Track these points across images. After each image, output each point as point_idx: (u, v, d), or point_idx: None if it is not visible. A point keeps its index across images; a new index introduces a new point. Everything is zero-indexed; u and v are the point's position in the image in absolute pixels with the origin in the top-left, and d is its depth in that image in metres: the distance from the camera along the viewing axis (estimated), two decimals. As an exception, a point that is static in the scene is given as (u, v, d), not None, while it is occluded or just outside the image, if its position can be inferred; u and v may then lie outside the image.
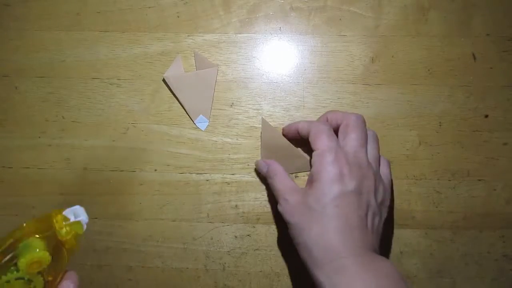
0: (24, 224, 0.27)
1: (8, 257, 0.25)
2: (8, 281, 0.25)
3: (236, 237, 0.40)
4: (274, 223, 0.40)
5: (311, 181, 0.32)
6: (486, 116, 0.41)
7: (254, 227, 0.40)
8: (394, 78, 0.41)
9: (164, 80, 0.41)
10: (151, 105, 0.41)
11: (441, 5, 0.42)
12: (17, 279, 0.25)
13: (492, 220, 0.39)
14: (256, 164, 0.39)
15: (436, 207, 0.40)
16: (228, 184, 0.40)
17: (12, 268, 0.25)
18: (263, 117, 0.35)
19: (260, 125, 0.40)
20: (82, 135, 0.41)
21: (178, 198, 0.40)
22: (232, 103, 0.41)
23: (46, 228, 0.27)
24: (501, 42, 0.41)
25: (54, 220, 0.28)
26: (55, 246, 0.27)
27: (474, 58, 0.41)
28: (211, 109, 0.41)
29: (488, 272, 0.39)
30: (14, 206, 0.40)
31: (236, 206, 0.40)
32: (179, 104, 0.41)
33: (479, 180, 0.40)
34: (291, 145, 0.38)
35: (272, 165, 0.37)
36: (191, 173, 0.40)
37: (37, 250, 0.25)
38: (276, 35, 0.42)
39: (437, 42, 0.41)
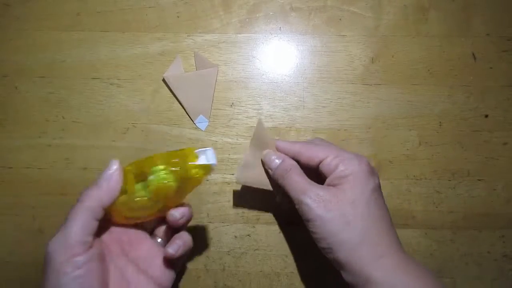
0: (158, 154, 0.30)
1: (140, 183, 0.29)
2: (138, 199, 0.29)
3: (236, 237, 0.40)
4: (274, 223, 0.40)
5: (340, 177, 0.30)
6: (486, 116, 0.41)
7: (254, 227, 0.40)
8: (394, 78, 0.41)
9: (164, 80, 0.41)
10: (151, 105, 0.41)
11: (441, 5, 0.42)
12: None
13: (492, 220, 0.39)
14: (266, 155, 0.34)
15: (436, 207, 0.40)
16: (228, 184, 0.40)
17: (142, 192, 0.29)
18: (261, 118, 0.34)
19: (260, 125, 0.40)
20: (82, 135, 0.41)
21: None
22: (232, 103, 0.41)
23: (178, 163, 0.29)
24: (501, 42, 0.41)
25: (187, 159, 0.30)
26: (182, 179, 0.29)
27: (474, 58, 0.41)
28: (211, 109, 0.41)
29: (488, 272, 0.39)
30: (14, 206, 0.40)
31: (236, 206, 0.40)
32: (179, 104, 0.41)
33: (479, 180, 0.40)
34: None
35: (287, 159, 0.34)
36: (191, 173, 0.40)
37: (166, 181, 0.29)
38: (276, 35, 0.42)
39: (437, 42, 0.41)
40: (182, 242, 0.32)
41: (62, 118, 0.41)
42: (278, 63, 0.42)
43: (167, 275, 0.33)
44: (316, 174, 0.33)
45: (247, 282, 0.39)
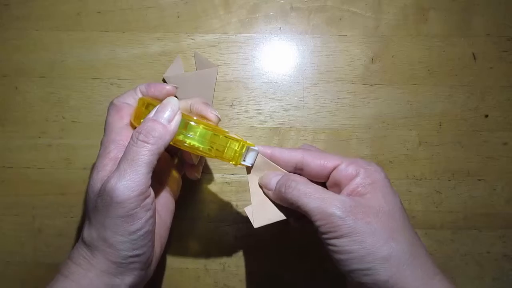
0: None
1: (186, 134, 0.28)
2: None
3: (236, 237, 0.39)
4: (274, 223, 0.40)
5: (365, 185, 0.26)
6: (486, 116, 0.41)
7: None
8: (394, 78, 0.41)
9: (164, 80, 0.41)
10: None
11: (441, 5, 0.42)
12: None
13: (492, 220, 0.39)
14: (262, 178, 0.30)
15: (436, 207, 0.40)
16: (228, 184, 0.40)
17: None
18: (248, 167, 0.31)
19: (260, 126, 0.40)
20: (82, 135, 0.41)
21: (178, 198, 0.40)
22: (232, 103, 0.41)
23: (223, 143, 0.28)
24: (501, 42, 0.41)
25: (232, 151, 0.29)
26: (215, 154, 0.29)
27: (474, 58, 0.41)
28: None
29: (488, 272, 0.39)
30: (14, 206, 0.40)
31: (236, 206, 0.40)
32: (179, 104, 0.41)
33: (479, 180, 0.40)
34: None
35: (287, 172, 0.29)
36: (191, 173, 0.40)
37: (201, 148, 0.28)
38: (276, 35, 0.42)
39: (437, 42, 0.41)
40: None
41: (62, 118, 0.41)
42: (278, 63, 0.42)
43: (178, 187, 0.34)
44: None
45: (247, 282, 0.39)
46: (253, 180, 0.31)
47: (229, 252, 0.39)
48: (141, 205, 0.25)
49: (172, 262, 0.39)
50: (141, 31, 0.42)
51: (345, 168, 0.27)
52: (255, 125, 0.41)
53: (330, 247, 0.25)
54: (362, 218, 0.24)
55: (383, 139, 0.40)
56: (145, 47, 0.42)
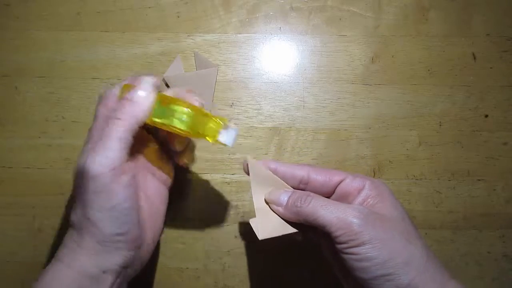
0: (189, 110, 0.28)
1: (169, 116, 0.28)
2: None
3: (236, 237, 0.39)
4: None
5: (374, 196, 0.28)
6: (486, 116, 0.41)
7: (254, 227, 0.40)
8: (394, 78, 0.41)
9: (164, 80, 0.41)
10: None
11: (441, 5, 0.42)
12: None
13: (492, 220, 0.39)
14: (270, 195, 0.30)
15: (436, 207, 0.40)
16: (228, 184, 0.40)
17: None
18: (247, 157, 0.30)
19: (260, 126, 0.40)
20: (82, 135, 0.41)
21: (178, 198, 0.40)
22: (232, 103, 0.41)
23: (201, 121, 0.29)
24: (501, 42, 0.41)
25: (210, 130, 0.29)
26: (194, 132, 0.29)
27: (474, 58, 0.41)
28: (211, 109, 0.41)
29: (488, 272, 0.39)
30: (14, 206, 0.40)
31: (236, 206, 0.40)
32: (179, 104, 0.41)
33: (479, 180, 0.40)
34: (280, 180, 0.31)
35: (298, 190, 0.29)
36: (191, 173, 0.40)
37: (178, 126, 0.28)
38: (276, 35, 0.42)
39: (437, 42, 0.41)
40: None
41: (62, 118, 0.41)
42: (278, 63, 0.42)
43: (169, 175, 0.34)
44: None
45: (247, 282, 0.39)
46: (256, 192, 0.31)
47: (229, 252, 0.39)
48: (117, 181, 0.25)
49: (172, 262, 0.39)
50: (141, 31, 0.42)
51: (351, 181, 0.28)
52: (255, 125, 0.41)
53: (351, 256, 0.25)
54: (380, 225, 0.25)
55: (383, 139, 0.40)
56: (145, 47, 0.42)
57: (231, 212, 0.40)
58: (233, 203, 0.40)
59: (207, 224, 0.40)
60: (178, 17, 0.42)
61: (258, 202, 0.30)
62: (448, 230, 0.39)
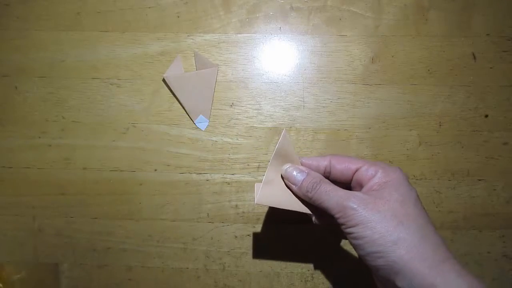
0: None
1: None
2: None
3: (236, 237, 0.40)
4: (274, 223, 0.40)
5: (381, 183, 0.30)
6: (486, 116, 0.41)
7: (254, 227, 0.40)
8: (394, 78, 0.41)
9: (164, 80, 0.41)
10: (151, 105, 0.41)
11: (441, 5, 0.42)
12: None
13: (492, 220, 0.39)
14: (287, 171, 0.32)
15: (436, 207, 0.40)
16: (228, 184, 0.40)
17: None
18: (285, 130, 0.32)
19: (260, 126, 0.40)
20: (82, 135, 0.41)
21: (178, 198, 0.40)
22: (232, 103, 0.41)
23: None
24: (501, 42, 0.41)
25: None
26: None
27: (474, 58, 0.41)
28: (211, 109, 0.41)
29: (488, 272, 0.39)
30: (14, 206, 0.40)
31: (236, 206, 0.40)
32: (179, 104, 0.41)
33: (479, 180, 0.40)
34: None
35: (312, 171, 0.32)
36: (191, 173, 0.40)
37: None
38: (276, 35, 0.42)
39: (437, 42, 0.41)
40: None
41: (62, 118, 0.41)
42: (278, 63, 0.42)
43: None
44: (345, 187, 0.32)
45: (247, 282, 0.39)
46: (273, 164, 0.32)
47: (229, 252, 0.39)
48: None
49: (172, 262, 0.39)
50: (141, 31, 0.42)
51: (366, 170, 0.31)
52: (255, 125, 0.41)
53: (349, 235, 0.29)
54: (372, 208, 0.28)
55: (383, 139, 0.40)
56: (145, 47, 0.42)
57: (231, 212, 0.40)
58: (233, 203, 0.40)
59: (207, 224, 0.40)
60: (178, 17, 0.42)
61: (270, 173, 0.32)
62: (448, 230, 0.39)
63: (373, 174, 0.30)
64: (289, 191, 0.33)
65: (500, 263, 0.39)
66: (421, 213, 0.28)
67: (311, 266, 0.39)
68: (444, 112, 0.41)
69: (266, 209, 0.40)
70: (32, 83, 0.42)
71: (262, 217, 0.40)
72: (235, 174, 0.40)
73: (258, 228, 0.40)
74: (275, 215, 0.40)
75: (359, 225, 0.28)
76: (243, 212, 0.40)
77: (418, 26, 0.42)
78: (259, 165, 0.40)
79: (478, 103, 0.41)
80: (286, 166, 0.33)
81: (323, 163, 0.33)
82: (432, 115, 0.41)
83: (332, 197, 0.29)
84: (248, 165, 0.40)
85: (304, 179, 0.32)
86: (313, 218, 0.33)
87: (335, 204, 0.29)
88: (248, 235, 0.40)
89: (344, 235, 0.29)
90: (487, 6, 0.42)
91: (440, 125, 0.40)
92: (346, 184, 0.32)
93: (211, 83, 0.41)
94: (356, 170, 0.31)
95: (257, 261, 0.39)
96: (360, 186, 0.31)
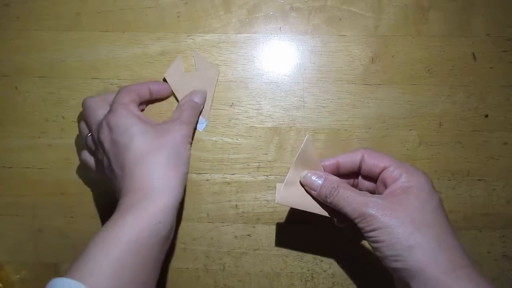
0: None
1: None
2: None
3: (236, 237, 0.40)
4: (274, 223, 0.40)
5: (404, 188, 0.30)
6: (486, 116, 0.41)
7: (254, 227, 0.40)
8: (394, 78, 0.41)
9: (164, 80, 0.41)
10: (151, 105, 0.41)
11: (441, 5, 0.42)
12: None
13: (492, 220, 0.39)
14: (305, 177, 0.34)
15: (436, 207, 0.40)
16: (228, 184, 0.40)
17: None
18: (309, 136, 0.34)
19: (260, 126, 0.40)
20: (82, 135, 0.41)
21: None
22: (232, 103, 0.41)
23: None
24: (501, 42, 0.41)
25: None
26: None
27: (474, 58, 0.41)
28: (211, 109, 0.41)
29: (488, 272, 0.39)
30: (14, 206, 0.40)
31: (236, 206, 0.40)
32: (179, 104, 0.41)
33: (479, 180, 0.40)
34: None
35: (329, 176, 0.33)
36: (191, 173, 0.40)
37: None
38: (276, 35, 0.42)
39: (437, 42, 0.41)
40: None
41: (62, 118, 0.41)
42: (278, 63, 0.42)
43: None
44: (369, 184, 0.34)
45: (247, 282, 0.39)
46: (294, 167, 0.33)
47: (229, 252, 0.39)
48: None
49: (172, 262, 0.39)
50: (141, 31, 0.42)
51: (392, 171, 0.31)
52: (255, 125, 0.41)
53: (369, 239, 0.30)
54: (391, 214, 0.29)
55: (383, 139, 0.40)
56: (145, 47, 0.42)
57: (231, 212, 0.40)
58: (233, 203, 0.40)
59: (207, 224, 0.40)
60: (178, 17, 0.42)
61: (292, 175, 0.34)
62: (448, 230, 0.39)
63: (397, 176, 0.31)
64: (309, 196, 0.34)
65: (500, 263, 0.39)
66: (440, 220, 0.29)
67: (311, 266, 0.39)
68: (444, 112, 0.41)
69: (266, 209, 0.40)
70: (32, 83, 0.42)
71: (262, 217, 0.40)
72: (235, 174, 0.40)
73: (258, 228, 0.40)
74: (275, 215, 0.40)
75: (377, 230, 0.29)
76: (243, 212, 0.40)
77: (418, 26, 0.42)
78: (259, 165, 0.40)
79: (478, 103, 0.41)
80: (304, 172, 0.34)
81: (356, 158, 0.33)
82: (432, 115, 0.41)
83: (351, 202, 0.30)
84: (248, 165, 0.40)
85: (322, 184, 0.33)
86: (335, 221, 0.34)
87: (354, 210, 0.30)
88: (248, 235, 0.40)
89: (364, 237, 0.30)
90: (487, 6, 0.42)
91: (440, 125, 0.41)
92: (373, 180, 0.33)
93: (212, 85, 0.41)
94: (384, 169, 0.32)
95: (257, 261, 0.39)
96: (384, 186, 0.32)
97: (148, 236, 0.29)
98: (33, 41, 0.42)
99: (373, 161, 0.33)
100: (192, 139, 0.40)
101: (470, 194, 0.40)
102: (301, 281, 0.39)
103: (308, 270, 0.39)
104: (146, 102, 0.40)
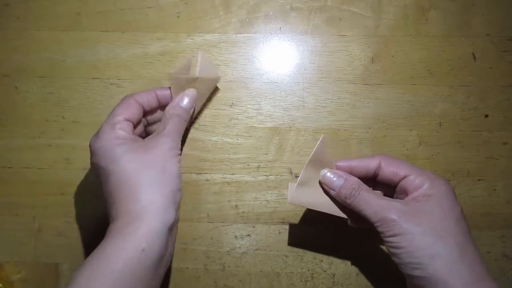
0: None
1: None
2: None
3: (236, 237, 0.40)
4: (274, 223, 0.40)
5: (426, 195, 0.30)
6: (486, 116, 0.41)
7: (254, 227, 0.40)
8: (394, 78, 0.41)
9: (170, 76, 0.41)
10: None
11: (441, 5, 0.42)
12: None
13: (492, 220, 0.39)
14: (324, 176, 0.33)
15: (436, 207, 0.40)
16: (228, 184, 0.40)
17: None
18: (325, 136, 0.33)
19: (260, 126, 0.40)
20: (82, 135, 0.41)
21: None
22: (232, 103, 0.41)
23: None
24: (501, 42, 0.41)
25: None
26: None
27: (474, 58, 0.41)
28: (201, 112, 0.41)
29: (488, 272, 0.39)
30: (14, 206, 0.40)
31: (236, 206, 0.40)
32: (179, 104, 0.41)
33: (479, 180, 0.40)
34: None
35: (350, 176, 0.33)
36: (191, 173, 0.40)
37: None
38: (276, 35, 0.42)
39: (437, 42, 0.41)
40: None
41: (62, 118, 0.41)
42: (278, 63, 0.42)
43: None
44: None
45: (247, 282, 0.39)
46: (309, 167, 0.33)
47: (229, 252, 0.39)
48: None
49: (172, 262, 0.39)
50: (141, 31, 0.42)
51: (413, 179, 0.31)
52: (255, 125, 0.41)
53: (388, 243, 0.29)
54: (413, 221, 0.28)
55: (383, 139, 0.40)
56: (145, 47, 0.42)
57: (231, 212, 0.40)
58: (233, 203, 0.40)
59: (206, 224, 0.40)
60: (178, 17, 0.42)
61: (306, 174, 0.33)
62: (448, 230, 0.39)
63: (419, 185, 0.30)
64: (324, 194, 0.33)
65: (500, 263, 0.39)
66: (462, 230, 0.29)
67: (311, 266, 0.39)
68: (444, 112, 0.41)
69: (266, 209, 0.40)
70: (32, 83, 0.42)
71: (262, 217, 0.40)
72: (235, 174, 0.40)
73: (258, 228, 0.40)
74: (275, 215, 0.40)
75: (398, 235, 0.28)
76: (243, 212, 0.40)
77: (418, 26, 0.42)
78: (259, 165, 0.40)
79: (478, 103, 0.41)
80: (324, 171, 0.33)
81: (372, 164, 0.32)
82: (432, 115, 0.41)
83: (372, 206, 0.30)
84: (248, 165, 0.40)
85: (342, 185, 0.32)
86: (349, 221, 0.34)
87: (375, 214, 0.30)
88: (248, 235, 0.40)
89: (382, 241, 0.30)
90: (487, 6, 0.42)
91: (440, 125, 0.41)
92: (391, 188, 0.32)
93: (206, 93, 0.39)
94: (404, 177, 0.31)
95: (257, 261, 0.39)
96: (405, 194, 0.31)
97: (136, 264, 0.27)
98: (33, 41, 0.42)
99: (392, 169, 0.32)
100: (183, 146, 0.39)
101: (470, 194, 0.40)
102: (301, 281, 0.39)
103: (308, 270, 0.39)
104: (157, 108, 0.37)
